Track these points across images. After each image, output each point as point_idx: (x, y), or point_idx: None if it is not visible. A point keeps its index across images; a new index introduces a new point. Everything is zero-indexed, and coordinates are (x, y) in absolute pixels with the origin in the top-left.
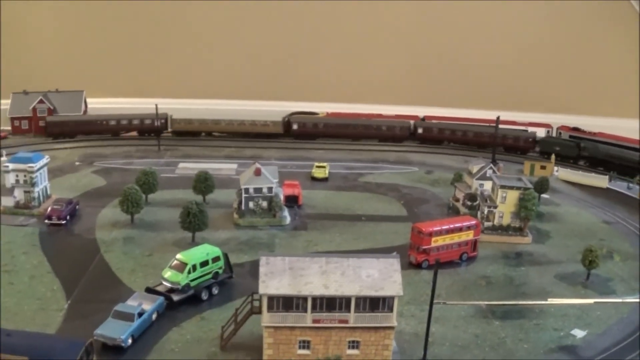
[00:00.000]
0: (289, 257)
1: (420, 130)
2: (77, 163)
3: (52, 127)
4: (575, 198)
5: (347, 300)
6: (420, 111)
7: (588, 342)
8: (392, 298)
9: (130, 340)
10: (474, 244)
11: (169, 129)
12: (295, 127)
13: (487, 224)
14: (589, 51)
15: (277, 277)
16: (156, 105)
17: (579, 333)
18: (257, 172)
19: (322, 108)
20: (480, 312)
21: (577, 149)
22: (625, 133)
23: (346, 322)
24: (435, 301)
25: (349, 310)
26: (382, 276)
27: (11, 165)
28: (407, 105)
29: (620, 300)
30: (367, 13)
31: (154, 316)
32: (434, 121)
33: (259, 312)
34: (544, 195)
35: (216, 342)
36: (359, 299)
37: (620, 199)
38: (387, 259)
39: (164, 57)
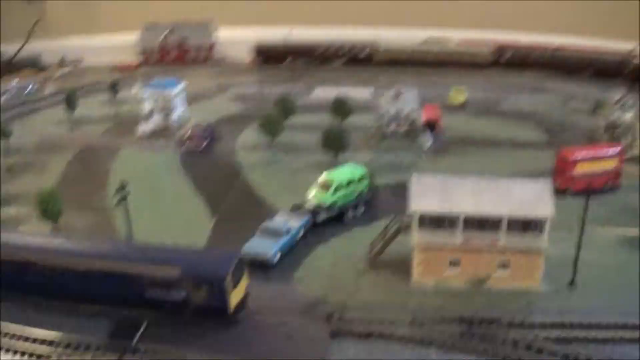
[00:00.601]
0: (440, 176)
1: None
2: (213, 90)
3: (261, 52)
4: None
5: (499, 220)
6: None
7: None
8: (544, 220)
9: (278, 257)
10: (618, 172)
11: (376, 58)
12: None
13: (630, 153)
14: None
15: (428, 195)
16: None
17: None
18: (398, 96)
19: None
20: (628, 240)
21: None
22: None
23: (497, 242)
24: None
25: (500, 231)
26: (534, 198)
27: (149, 92)
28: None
29: None
30: None
31: (301, 233)
32: None
33: (408, 230)
34: None
35: (363, 259)
36: (510, 220)
37: None
38: (538, 182)
39: None
